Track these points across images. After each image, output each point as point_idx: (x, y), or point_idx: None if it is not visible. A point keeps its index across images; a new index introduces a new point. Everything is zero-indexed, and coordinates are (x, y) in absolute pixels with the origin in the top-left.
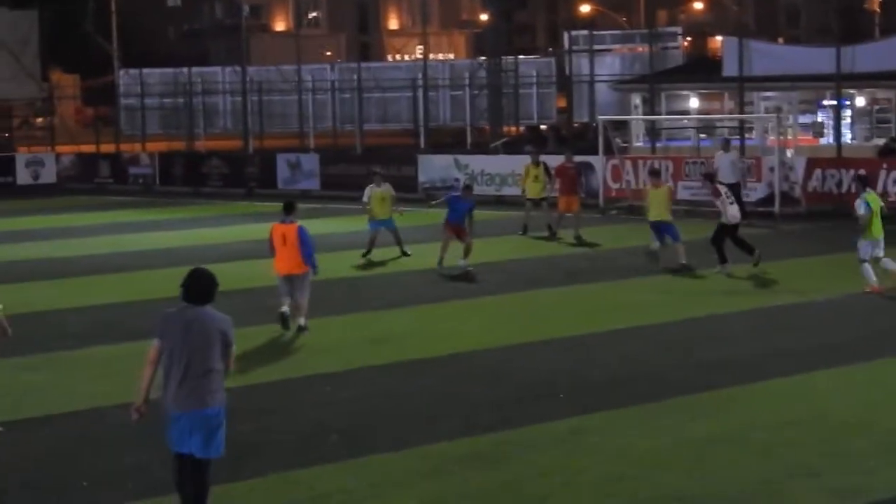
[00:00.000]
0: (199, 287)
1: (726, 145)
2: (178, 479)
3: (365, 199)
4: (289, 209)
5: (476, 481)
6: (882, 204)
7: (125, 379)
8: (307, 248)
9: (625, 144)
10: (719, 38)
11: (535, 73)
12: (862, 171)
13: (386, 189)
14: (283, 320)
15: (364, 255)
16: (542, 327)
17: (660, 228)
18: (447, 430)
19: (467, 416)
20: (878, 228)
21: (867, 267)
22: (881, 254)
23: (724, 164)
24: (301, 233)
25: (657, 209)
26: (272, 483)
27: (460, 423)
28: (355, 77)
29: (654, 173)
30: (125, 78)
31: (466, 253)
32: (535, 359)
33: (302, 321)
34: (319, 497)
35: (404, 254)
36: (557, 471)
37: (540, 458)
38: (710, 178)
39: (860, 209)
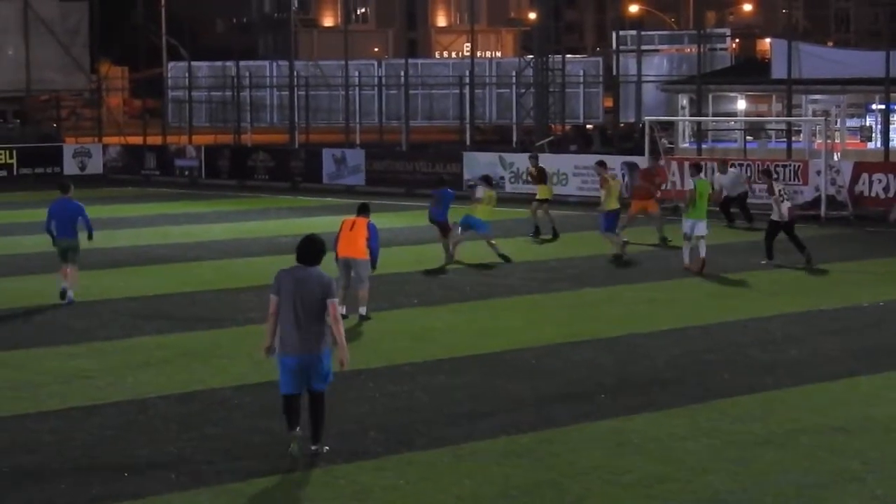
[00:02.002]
0: (311, 251)
1: (723, 167)
2: (289, 415)
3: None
4: (363, 211)
5: (516, 480)
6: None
7: (172, 368)
8: (374, 239)
9: (671, 145)
10: (768, 39)
11: (581, 73)
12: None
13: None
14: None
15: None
16: (584, 326)
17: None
18: (488, 427)
19: (508, 414)
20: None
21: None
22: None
23: (728, 180)
24: (371, 226)
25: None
26: (314, 478)
27: (501, 421)
28: (402, 73)
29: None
30: (173, 70)
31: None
32: (577, 357)
33: (363, 310)
34: (360, 493)
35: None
36: (598, 471)
37: (581, 458)
38: (768, 174)
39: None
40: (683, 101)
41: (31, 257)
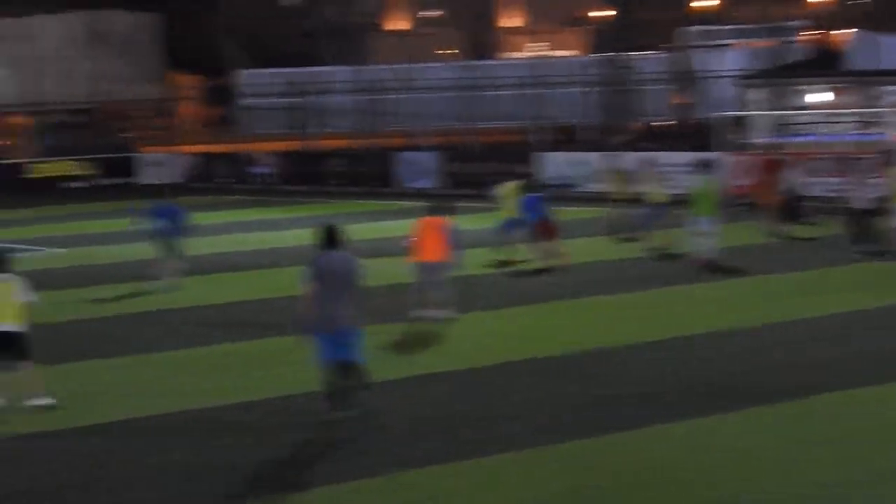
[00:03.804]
0: (334, 236)
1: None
2: (328, 384)
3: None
4: (437, 211)
5: (583, 480)
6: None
7: (241, 375)
8: (452, 240)
9: (746, 141)
10: (843, 31)
11: (653, 70)
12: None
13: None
14: (421, 320)
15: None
16: (650, 327)
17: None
18: (557, 430)
19: (575, 415)
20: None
21: None
22: None
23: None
24: (448, 227)
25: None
26: (380, 485)
27: (567, 423)
28: (471, 75)
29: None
30: (244, 78)
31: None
32: (645, 359)
33: (444, 313)
34: (422, 500)
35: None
36: (660, 471)
37: (643, 459)
38: (853, 164)
39: None
40: (757, 95)
41: (105, 267)
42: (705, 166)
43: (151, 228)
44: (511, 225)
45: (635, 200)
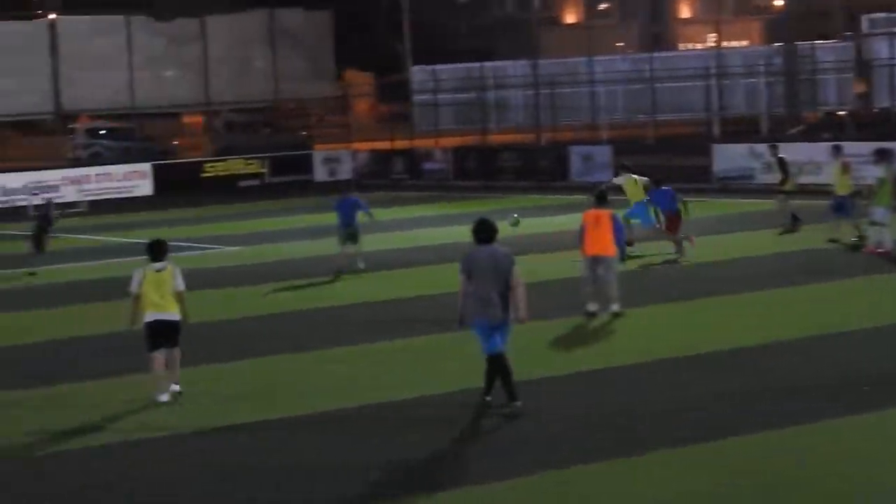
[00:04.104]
0: (487, 230)
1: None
2: (489, 373)
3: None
4: (601, 199)
5: (744, 476)
6: None
7: (408, 370)
8: (619, 232)
9: None
10: None
11: (832, 59)
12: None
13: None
14: (591, 315)
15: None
16: (799, 323)
17: None
18: (713, 427)
19: (731, 411)
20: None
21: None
22: None
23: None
24: (614, 218)
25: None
26: (543, 482)
27: (724, 419)
28: (647, 67)
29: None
30: (418, 74)
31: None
32: (793, 356)
33: (615, 307)
34: (588, 497)
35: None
36: (817, 468)
37: (804, 459)
38: None
39: None
40: None
41: (277, 264)
42: (884, 156)
43: (338, 221)
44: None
45: (801, 192)
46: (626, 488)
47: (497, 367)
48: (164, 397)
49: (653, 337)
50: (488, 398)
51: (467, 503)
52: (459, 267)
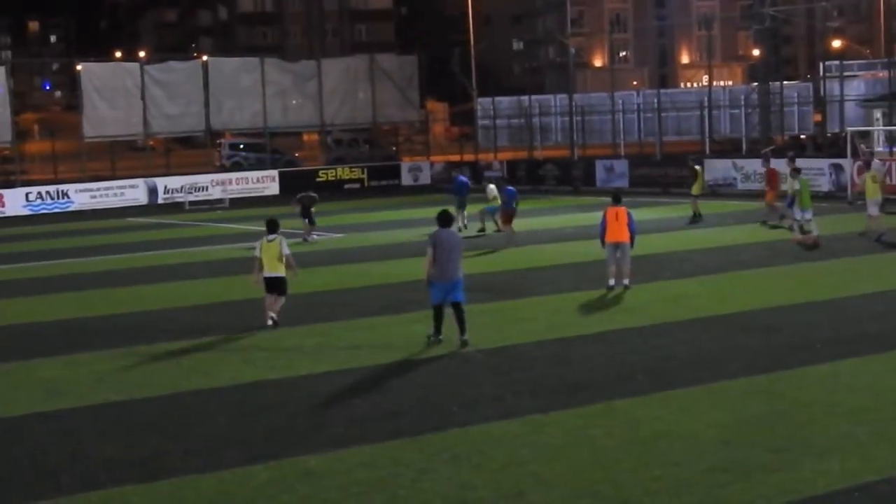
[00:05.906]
0: (445, 219)
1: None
2: (436, 318)
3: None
4: (617, 199)
5: (755, 410)
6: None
7: (487, 329)
8: (633, 224)
9: (869, 149)
10: None
11: (796, 95)
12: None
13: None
14: (610, 288)
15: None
16: (803, 292)
17: None
18: (731, 370)
19: (747, 360)
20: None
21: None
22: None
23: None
24: (629, 213)
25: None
26: (595, 411)
27: (742, 366)
28: (655, 100)
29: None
30: (482, 104)
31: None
32: (797, 317)
33: (626, 281)
34: (632, 422)
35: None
36: (818, 403)
37: (804, 394)
38: None
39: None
40: (878, 114)
41: (375, 248)
42: (798, 171)
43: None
44: None
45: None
46: (661, 414)
47: (458, 310)
48: (269, 321)
49: (672, 304)
50: (441, 337)
51: (550, 425)
52: (428, 241)
